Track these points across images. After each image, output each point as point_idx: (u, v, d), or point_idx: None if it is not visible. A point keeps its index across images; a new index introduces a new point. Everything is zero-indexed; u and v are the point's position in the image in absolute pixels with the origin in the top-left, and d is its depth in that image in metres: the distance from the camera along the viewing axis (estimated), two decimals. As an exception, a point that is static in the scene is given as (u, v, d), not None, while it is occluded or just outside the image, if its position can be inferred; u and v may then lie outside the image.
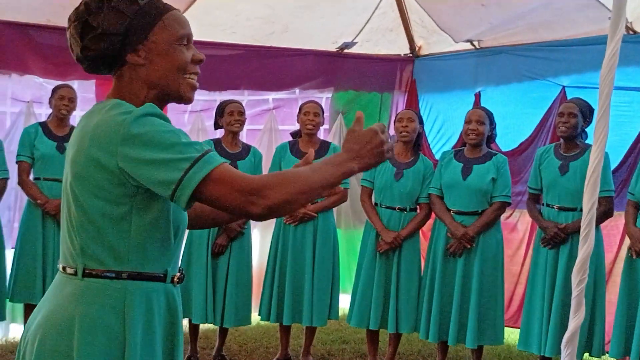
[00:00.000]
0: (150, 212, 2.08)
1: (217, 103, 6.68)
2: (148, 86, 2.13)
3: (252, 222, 5.90)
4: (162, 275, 2.14)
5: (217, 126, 5.84)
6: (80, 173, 2.03)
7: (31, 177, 5.64)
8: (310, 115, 5.74)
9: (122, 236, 2.06)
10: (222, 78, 6.91)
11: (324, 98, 7.43)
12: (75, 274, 2.08)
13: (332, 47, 7.30)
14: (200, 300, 5.56)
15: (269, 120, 7.22)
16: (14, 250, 5.70)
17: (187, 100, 2.21)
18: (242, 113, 5.73)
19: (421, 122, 5.75)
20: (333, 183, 2.08)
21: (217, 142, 5.70)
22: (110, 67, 2.14)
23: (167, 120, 2.04)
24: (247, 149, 5.79)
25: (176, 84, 2.15)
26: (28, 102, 6.33)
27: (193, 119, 6.95)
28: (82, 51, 2.09)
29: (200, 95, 6.98)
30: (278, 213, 2.01)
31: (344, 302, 6.13)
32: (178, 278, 2.19)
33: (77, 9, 2.09)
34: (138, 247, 2.08)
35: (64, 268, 2.12)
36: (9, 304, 5.66)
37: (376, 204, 5.70)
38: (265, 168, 5.99)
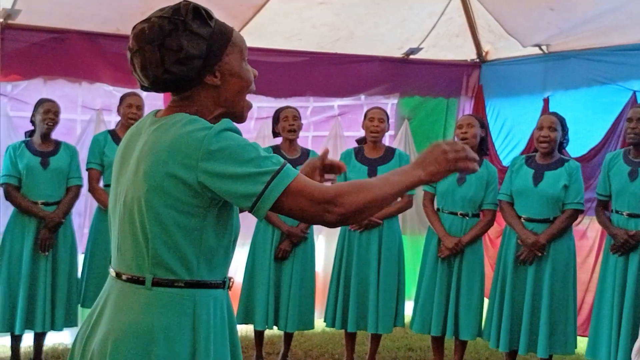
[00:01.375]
0: (219, 223, 2.16)
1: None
2: (218, 105, 2.23)
3: (315, 228, 5.91)
4: (222, 282, 2.22)
5: (275, 134, 5.87)
6: (157, 186, 2.07)
7: (101, 184, 5.73)
8: (375, 121, 5.73)
9: (193, 246, 2.12)
10: (288, 85, 6.96)
11: (390, 104, 7.40)
12: (142, 283, 2.12)
13: (398, 53, 7.28)
14: (262, 305, 5.59)
15: (334, 127, 7.23)
16: (84, 256, 5.81)
17: (243, 120, 2.30)
18: (296, 118, 5.75)
19: (484, 127, 5.69)
20: (401, 192, 2.18)
21: (275, 149, 5.72)
22: (182, 87, 2.19)
23: (240, 133, 2.11)
24: (306, 153, 5.81)
25: (241, 103, 2.26)
26: (98, 109, 6.44)
27: (259, 126, 6.99)
28: (164, 74, 2.14)
29: (266, 102, 7.03)
30: (351, 221, 2.11)
31: (410, 309, 6.09)
32: (230, 284, 2.28)
33: (146, 32, 2.15)
34: (206, 257, 2.15)
35: (128, 277, 2.15)
36: (80, 310, 5.74)
37: (438, 209, 5.66)
38: (329, 175, 5.98)
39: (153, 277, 2.11)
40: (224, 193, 2.06)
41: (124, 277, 2.16)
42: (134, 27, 2.22)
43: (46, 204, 5.43)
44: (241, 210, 2.26)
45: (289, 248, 5.63)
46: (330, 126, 7.24)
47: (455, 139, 5.95)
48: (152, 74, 2.15)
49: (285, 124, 5.71)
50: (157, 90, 2.23)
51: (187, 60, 2.14)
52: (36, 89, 6.08)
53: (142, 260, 2.12)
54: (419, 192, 6.26)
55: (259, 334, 5.87)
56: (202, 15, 2.18)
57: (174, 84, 2.17)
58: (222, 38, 2.19)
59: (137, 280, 2.13)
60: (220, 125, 2.08)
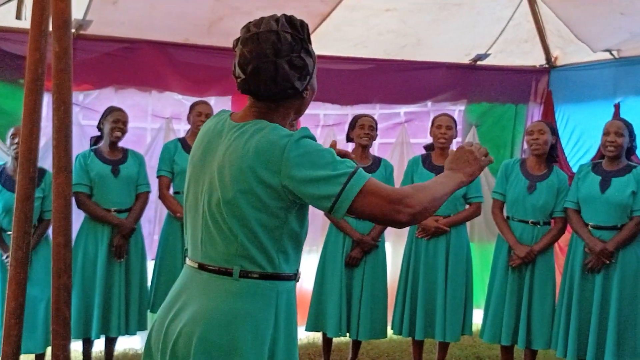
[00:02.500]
0: (296, 222, 2.36)
1: (349, 117, 6.75)
2: (296, 113, 2.47)
3: (386, 235, 5.90)
4: (294, 275, 2.43)
5: (348, 139, 5.89)
6: (245, 189, 2.26)
7: (171, 191, 5.81)
8: (443, 128, 5.71)
9: (274, 243, 2.32)
10: (354, 92, 6.97)
11: (457, 110, 7.35)
12: (230, 274, 2.31)
13: (465, 59, 7.23)
14: (334, 313, 5.59)
15: (401, 134, 7.20)
16: (154, 262, 5.89)
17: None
18: (373, 128, 5.76)
19: (554, 134, 5.61)
20: (450, 193, 2.42)
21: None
22: (284, 98, 2.37)
23: (316, 139, 2.33)
24: (377, 161, 5.81)
25: (303, 110, 2.51)
26: (167, 118, 6.53)
27: (325, 132, 7.01)
28: (289, 88, 2.33)
29: (332, 110, 7.05)
30: (418, 220, 2.31)
31: (478, 317, 6.03)
32: (299, 277, 2.48)
33: (278, 45, 2.28)
34: (284, 252, 2.36)
35: (215, 269, 2.32)
36: (149, 315, 5.82)
37: (508, 217, 5.60)
38: (397, 181, 5.97)
39: (240, 269, 2.30)
40: (305, 196, 2.26)
41: (209, 268, 2.34)
42: (250, 31, 2.33)
43: (118, 212, 5.53)
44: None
45: (360, 256, 5.63)
46: (396, 133, 7.21)
47: (525, 145, 5.88)
48: (279, 87, 2.32)
49: (360, 131, 5.73)
50: (262, 99, 2.37)
51: (306, 76, 2.36)
52: (107, 98, 6.18)
53: (230, 254, 2.30)
54: (487, 200, 6.21)
55: (327, 341, 5.88)
56: (309, 34, 2.38)
57: (284, 95, 2.35)
58: (313, 54, 2.40)
59: (224, 272, 2.31)
60: (299, 132, 2.26)
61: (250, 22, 2.38)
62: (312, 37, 2.45)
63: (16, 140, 5.19)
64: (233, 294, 2.30)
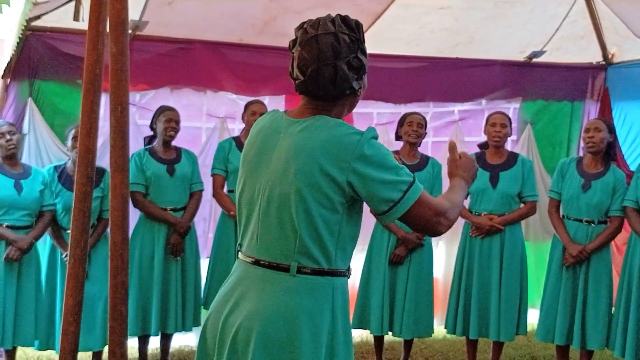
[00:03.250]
0: (353, 219, 2.42)
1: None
2: (348, 111, 2.53)
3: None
4: (347, 270, 2.47)
5: (397, 137, 5.88)
6: (311, 183, 2.31)
7: (225, 189, 5.87)
8: (498, 126, 5.66)
9: (332, 238, 2.36)
10: (407, 91, 6.95)
11: (512, 108, 7.28)
12: (287, 270, 2.33)
13: (520, 57, 7.16)
14: (377, 311, 5.60)
15: (455, 132, 7.16)
16: (208, 260, 5.96)
17: None
18: (422, 125, 5.75)
19: (612, 132, 5.53)
20: (463, 202, 2.65)
21: (395, 153, 5.73)
22: (341, 97, 2.43)
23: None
24: (425, 160, 5.80)
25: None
26: (222, 117, 6.58)
27: (378, 131, 6.97)
28: (348, 89, 2.39)
29: (385, 108, 7.04)
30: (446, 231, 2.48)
31: (533, 317, 5.98)
32: (349, 273, 2.51)
33: (337, 48, 2.34)
34: (341, 248, 2.40)
35: (271, 264, 2.36)
36: (203, 311, 5.88)
37: (563, 216, 5.54)
38: (445, 179, 5.92)
39: (297, 265, 2.33)
40: (366, 194, 2.32)
41: (266, 263, 2.38)
42: (308, 33, 2.37)
43: (174, 210, 5.59)
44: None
45: (404, 254, 5.62)
46: (450, 131, 7.17)
47: (582, 143, 5.81)
48: (338, 88, 2.38)
49: (409, 128, 5.72)
50: (320, 98, 2.42)
51: (362, 76, 2.44)
52: (163, 98, 6.26)
53: (288, 250, 2.34)
54: (543, 198, 6.15)
55: (378, 339, 5.88)
56: (363, 31, 2.43)
57: (342, 95, 2.42)
58: (366, 57, 2.45)
59: (281, 268, 2.35)
60: (369, 132, 2.35)
61: (305, 23, 2.41)
62: (365, 36, 2.48)
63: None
64: (290, 290, 2.33)
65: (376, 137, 2.37)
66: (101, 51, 2.17)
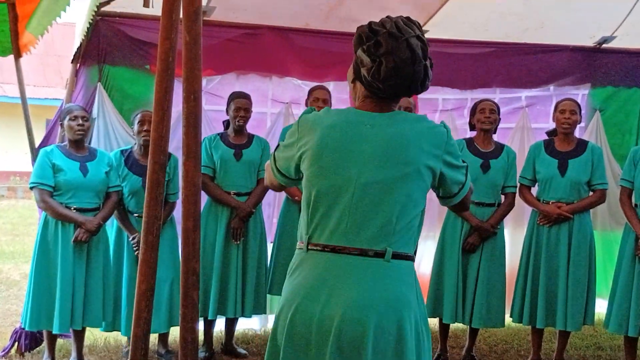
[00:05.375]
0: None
1: (468, 102, 6.65)
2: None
3: (505, 222, 5.81)
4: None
5: (471, 126, 5.83)
6: (413, 171, 2.45)
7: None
8: (567, 113, 5.57)
9: (419, 224, 2.53)
10: (474, 76, 6.87)
11: (580, 95, 7.12)
12: (381, 256, 2.41)
13: (590, 42, 7.01)
14: (451, 299, 5.55)
15: (522, 118, 7.04)
16: (272, 244, 5.97)
17: None
18: (494, 111, 5.68)
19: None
20: None
21: (469, 142, 5.68)
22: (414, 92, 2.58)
23: None
24: (500, 147, 5.72)
25: None
26: (287, 103, 6.59)
27: (445, 117, 6.94)
28: (423, 88, 2.54)
29: (451, 94, 6.98)
30: None
31: (601, 306, 5.88)
32: None
33: (424, 50, 2.48)
34: (417, 235, 2.55)
35: (364, 251, 2.41)
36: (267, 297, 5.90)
37: (636, 205, 5.42)
38: (519, 165, 5.84)
39: (393, 250, 2.40)
40: (448, 178, 2.56)
41: (356, 251, 2.42)
42: (396, 37, 2.45)
43: (238, 194, 5.62)
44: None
45: (478, 242, 5.57)
46: (517, 118, 7.06)
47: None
48: (425, 87, 2.53)
49: (481, 115, 5.67)
50: (392, 96, 2.55)
51: (424, 72, 2.50)
52: (229, 83, 6.30)
53: (383, 235, 2.41)
54: (612, 186, 6.03)
55: (444, 327, 5.85)
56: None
57: (405, 91, 2.53)
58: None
59: (375, 254, 2.41)
60: (445, 123, 2.60)
61: (379, 26, 2.48)
62: (433, 21, 2.65)
63: (145, 128, 5.35)
64: (389, 278, 2.40)
65: None
66: (174, 40, 2.18)
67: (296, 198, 5.68)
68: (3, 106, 24.23)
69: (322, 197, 2.49)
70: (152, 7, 4.27)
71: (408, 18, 2.51)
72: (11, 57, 5.55)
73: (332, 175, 2.47)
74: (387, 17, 2.51)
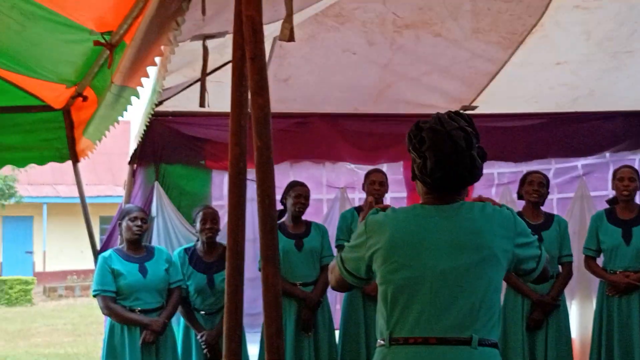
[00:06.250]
0: None
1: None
2: None
3: (567, 294, 5.70)
4: None
5: (519, 196, 5.78)
6: (491, 255, 2.47)
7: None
8: (626, 180, 5.51)
9: (498, 309, 2.51)
10: (527, 148, 6.82)
11: (637, 159, 7.02)
12: (468, 343, 2.36)
13: (642, 106, 6.94)
14: None
15: (580, 187, 6.94)
16: (338, 332, 5.89)
17: None
18: (543, 185, 5.65)
19: None
20: None
21: (519, 214, 5.62)
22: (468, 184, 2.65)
23: None
24: (550, 218, 5.66)
25: None
26: (342, 188, 6.61)
27: (501, 191, 6.89)
28: (475, 177, 2.59)
29: (505, 168, 6.93)
30: None
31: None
32: None
33: (460, 142, 2.51)
34: (499, 321, 2.53)
35: (450, 339, 2.38)
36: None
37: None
38: (577, 236, 5.74)
39: (479, 337, 2.37)
40: (523, 257, 2.58)
41: (441, 340, 2.39)
42: (437, 131, 2.54)
43: (304, 285, 5.58)
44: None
45: (541, 317, 5.45)
46: (575, 187, 6.96)
47: None
48: (473, 175, 2.58)
49: (530, 188, 5.62)
50: (451, 189, 2.60)
51: (478, 166, 2.58)
52: (283, 173, 6.33)
53: (467, 324, 2.39)
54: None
55: None
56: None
57: (475, 181, 2.63)
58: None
59: (460, 342, 2.37)
60: (507, 206, 2.65)
61: (423, 123, 2.58)
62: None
63: (207, 225, 5.38)
64: None
65: None
66: (244, 144, 2.21)
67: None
68: (57, 207, 24.71)
69: (400, 291, 2.49)
70: (208, 106, 4.35)
71: (456, 112, 2.60)
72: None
73: (408, 269, 2.48)
74: (436, 113, 2.60)
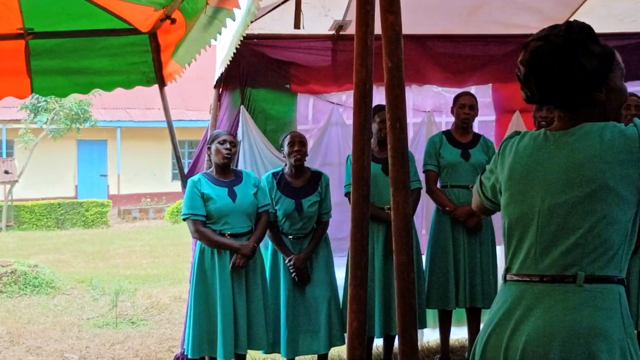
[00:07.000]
0: (637, 219, 2.28)
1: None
2: (599, 118, 2.34)
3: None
4: (625, 279, 2.28)
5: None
6: (601, 185, 2.21)
7: (438, 185, 5.75)
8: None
9: (622, 242, 2.24)
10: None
11: None
12: (573, 281, 2.21)
13: None
14: None
15: (677, 109, 6.69)
16: (425, 257, 5.85)
17: (621, 121, 2.38)
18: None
19: None
20: None
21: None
22: (572, 103, 2.35)
23: None
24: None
25: (619, 112, 2.40)
26: (428, 111, 6.47)
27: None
28: (542, 95, 2.37)
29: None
30: None
31: None
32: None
33: (543, 50, 2.32)
34: (627, 252, 2.27)
35: (554, 277, 2.24)
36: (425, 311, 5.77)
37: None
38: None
39: (585, 274, 2.20)
40: None
41: (548, 278, 2.26)
42: (529, 44, 2.37)
43: (388, 209, 5.50)
44: None
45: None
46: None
47: None
48: (546, 91, 2.35)
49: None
50: (546, 104, 2.42)
51: (580, 78, 2.29)
52: (368, 96, 6.21)
53: (574, 259, 2.22)
54: None
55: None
56: (594, 35, 2.35)
57: (566, 100, 2.34)
58: (608, 58, 2.35)
59: (566, 279, 2.22)
60: (638, 120, 2.27)
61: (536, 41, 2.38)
62: (577, 14, 2.41)
63: (295, 148, 5.34)
64: (580, 305, 2.19)
65: None
66: (370, 67, 2.11)
67: (447, 208, 5.57)
68: (130, 130, 25.04)
69: (513, 227, 2.41)
70: (303, 28, 4.24)
71: (583, 24, 2.37)
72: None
73: (520, 205, 2.38)
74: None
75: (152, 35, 5.40)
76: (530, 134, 2.47)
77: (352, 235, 2.22)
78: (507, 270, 2.40)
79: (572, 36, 2.30)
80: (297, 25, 4.01)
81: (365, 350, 2.32)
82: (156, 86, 5.63)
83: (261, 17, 5.52)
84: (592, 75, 2.28)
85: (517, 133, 2.53)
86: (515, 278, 2.35)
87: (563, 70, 2.28)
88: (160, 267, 12.20)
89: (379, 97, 6.16)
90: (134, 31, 5.31)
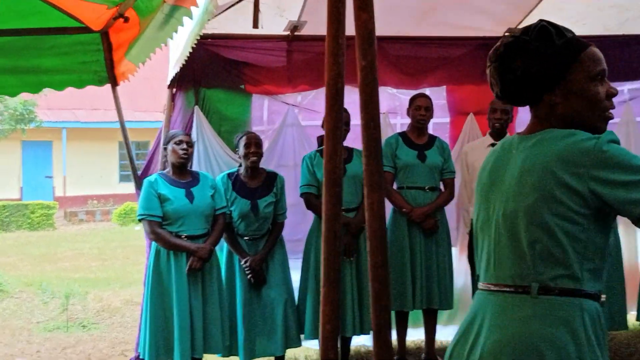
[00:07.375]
0: (601, 233, 2.13)
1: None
2: (564, 123, 2.21)
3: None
4: (598, 294, 2.15)
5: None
6: (547, 195, 2.10)
7: (395, 186, 5.75)
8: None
9: (577, 254, 2.10)
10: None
11: (686, 84, 6.86)
12: (527, 292, 2.12)
13: (691, 28, 6.73)
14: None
15: (626, 113, 6.76)
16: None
17: (601, 132, 2.19)
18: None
19: None
20: None
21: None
22: (529, 102, 2.28)
23: (620, 144, 2.12)
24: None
25: (591, 120, 2.21)
26: (384, 113, 6.45)
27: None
28: (502, 92, 2.29)
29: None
30: None
31: None
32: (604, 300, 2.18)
33: (497, 49, 2.26)
34: (588, 268, 2.12)
35: (509, 288, 2.17)
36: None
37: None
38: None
39: (539, 285, 2.11)
40: (613, 200, 2.06)
41: (502, 288, 2.19)
42: (501, 39, 2.31)
43: (347, 210, 5.48)
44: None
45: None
46: (621, 112, 6.78)
47: None
48: (494, 90, 2.31)
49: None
50: (510, 103, 2.35)
51: (522, 78, 2.22)
52: (324, 98, 6.17)
53: (526, 269, 2.14)
54: None
55: None
56: (549, 34, 2.21)
57: (514, 99, 2.30)
58: (565, 56, 2.20)
59: (520, 290, 2.14)
60: (607, 135, 2.09)
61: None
62: (529, 18, 2.37)
63: (252, 150, 5.30)
64: (531, 317, 2.11)
65: (616, 141, 2.10)
66: (342, 65, 2.08)
67: (403, 210, 5.57)
68: (76, 131, 24.67)
69: (478, 235, 2.37)
70: (262, 27, 4.20)
71: (539, 24, 2.25)
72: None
73: (483, 212, 2.34)
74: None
75: (104, 34, 5.31)
76: (502, 140, 2.42)
77: (325, 236, 2.19)
78: (478, 278, 2.36)
79: (522, 36, 2.22)
80: (255, 25, 3.96)
81: (336, 352, 2.29)
82: (104, 86, 5.56)
83: (216, 16, 5.45)
84: (543, 71, 2.19)
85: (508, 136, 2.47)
86: (482, 287, 2.30)
87: (503, 73, 2.26)
88: (109, 270, 12.03)
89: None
90: (85, 30, 5.22)
